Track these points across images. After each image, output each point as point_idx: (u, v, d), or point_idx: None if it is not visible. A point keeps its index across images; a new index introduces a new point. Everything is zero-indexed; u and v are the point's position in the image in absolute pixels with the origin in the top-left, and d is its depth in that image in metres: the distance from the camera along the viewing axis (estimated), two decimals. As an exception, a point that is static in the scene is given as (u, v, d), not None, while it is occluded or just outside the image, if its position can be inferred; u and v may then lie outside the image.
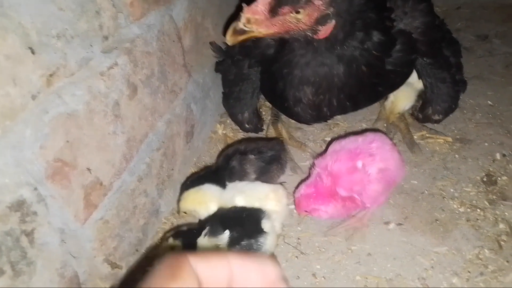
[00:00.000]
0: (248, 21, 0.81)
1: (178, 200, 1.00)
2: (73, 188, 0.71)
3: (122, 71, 0.84)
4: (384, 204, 0.96)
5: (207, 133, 1.30)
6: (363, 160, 0.90)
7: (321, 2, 0.81)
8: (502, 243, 0.86)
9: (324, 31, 0.86)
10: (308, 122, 1.12)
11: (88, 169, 0.74)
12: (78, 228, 0.74)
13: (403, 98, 1.17)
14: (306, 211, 0.93)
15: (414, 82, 1.17)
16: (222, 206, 0.95)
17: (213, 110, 1.34)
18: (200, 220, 0.94)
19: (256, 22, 0.81)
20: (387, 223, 0.93)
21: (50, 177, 0.67)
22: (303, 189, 0.92)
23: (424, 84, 1.14)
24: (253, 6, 0.80)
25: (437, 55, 1.11)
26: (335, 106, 1.00)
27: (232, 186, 0.99)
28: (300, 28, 0.84)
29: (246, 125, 1.24)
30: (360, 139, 0.95)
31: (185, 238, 0.87)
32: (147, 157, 0.94)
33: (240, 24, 0.81)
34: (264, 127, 1.30)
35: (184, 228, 0.94)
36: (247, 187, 0.97)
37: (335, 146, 0.97)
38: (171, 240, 0.86)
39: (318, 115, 1.03)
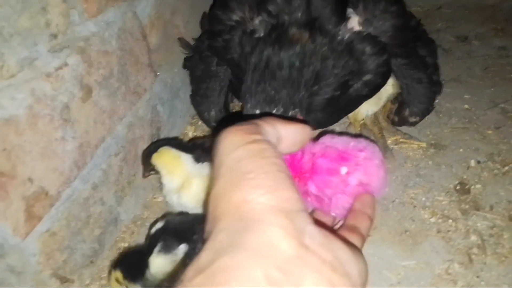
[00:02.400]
0: None
1: (150, 152, 0.93)
2: (11, 200, 0.66)
3: (74, 72, 0.79)
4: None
5: (176, 136, 1.25)
6: (348, 166, 0.85)
7: None
8: (472, 256, 0.82)
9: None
10: None
11: (30, 179, 0.69)
12: (19, 243, 0.68)
13: (364, 104, 1.13)
14: None
15: (382, 89, 1.12)
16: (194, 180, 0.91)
17: (183, 111, 1.29)
18: (148, 237, 0.89)
19: None
20: (354, 234, 0.89)
21: (-16, 189, 0.62)
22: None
23: (400, 86, 1.10)
24: None
25: (411, 55, 1.07)
26: (322, 123, 0.99)
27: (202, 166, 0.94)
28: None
29: (213, 124, 1.19)
30: (352, 143, 0.88)
31: (127, 267, 0.80)
32: (104, 163, 0.89)
33: None
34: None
35: (127, 253, 0.88)
36: None
37: (326, 139, 0.90)
38: (113, 273, 0.79)
39: None
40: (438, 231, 0.88)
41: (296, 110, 0.84)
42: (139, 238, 0.95)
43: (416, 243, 0.86)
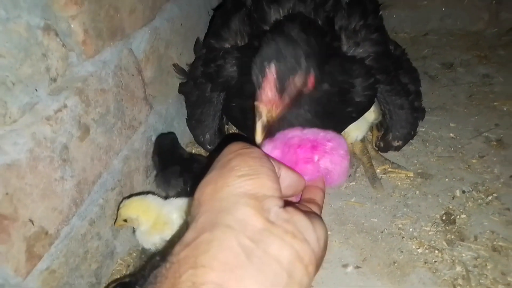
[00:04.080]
0: (269, 111, 0.82)
1: (118, 209, 0.97)
2: (13, 242, 0.68)
3: (72, 113, 0.81)
4: (343, 244, 0.95)
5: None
6: (317, 154, 0.87)
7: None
8: (457, 287, 0.85)
9: (311, 83, 0.87)
10: None
11: (31, 221, 0.71)
12: (20, 282, 0.70)
13: (354, 128, 1.17)
14: None
15: (366, 114, 1.17)
16: (161, 219, 0.95)
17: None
18: (133, 273, 0.91)
19: (274, 107, 0.82)
20: (345, 265, 0.92)
21: (-13, 232, 0.64)
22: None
23: (384, 112, 1.15)
24: (264, 96, 0.81)
25: (394, 83, 1.12)
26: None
27: (169, 202, 0.99)
28: (303, 91, 0.86)
29: (208, 146, 1.23)
30: (321, 134, 0.91)
31: None
32: (101, 198, 0.91)
33: (265, 119, 0.82)
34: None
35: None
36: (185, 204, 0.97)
37: (296, 132, 0.92)
38: None
39: None
40: (425, 262, 0.91)
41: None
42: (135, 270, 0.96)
43: (404, 274, 0.89)
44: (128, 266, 0.98)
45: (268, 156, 0.52)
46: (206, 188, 0.46)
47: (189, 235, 0.43)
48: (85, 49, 0.86)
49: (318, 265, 0.45)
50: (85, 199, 0.86)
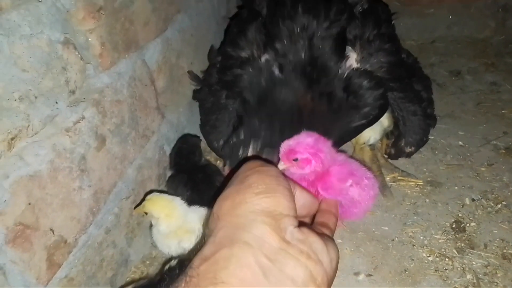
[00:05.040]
0: None
1: (142, 200, 0.99)
2: (35, 250, 0.70)
3: (90, 124, 0.84)
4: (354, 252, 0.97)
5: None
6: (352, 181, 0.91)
7: None
8: (468, 295, 0.86)
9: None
10: None
11: (51, 230, 0.73)
12: (40, 290, 0.72)
13: (368, 129, 1.18)
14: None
15: (382, 118, 1.18)
16: (183, 227, 0.96)
17: (188, 149, 1.34)
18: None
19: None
20: (357, 273, 0.93)
21: (11, 242, 0.66)
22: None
23: (397, 118, 1.16)
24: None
25: (407, 90, 1.14)
26: None
27: (194, 210, 1.00)
28: None
29: (221, 152, 1.25)
30: (362, 169, 0.96)
31: None
32: (116, 207, 0.93)
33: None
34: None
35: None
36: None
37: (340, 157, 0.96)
38: None
39: None
40: (436, 270, 0.92)
41: None
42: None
43: (415, 282, 0.90)
44: (142, 273, 1.00)
45: (284, 175, 0.53)
46: (225, 203, 0.48)
47: (208, 249, 0.44)
48: (101, 61, 0.88)
49: (330, 285, 0.48)
50: (101, 208, 0.88)
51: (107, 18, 0.88)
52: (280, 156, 0.92)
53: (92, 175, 0.84)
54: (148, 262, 1.03)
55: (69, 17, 0.79)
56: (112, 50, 0.91)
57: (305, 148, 0.89)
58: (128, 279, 0.98)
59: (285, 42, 1.06)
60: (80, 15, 0.81)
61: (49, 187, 0.73)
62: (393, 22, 1.22)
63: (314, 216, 0.64)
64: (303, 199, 0.56)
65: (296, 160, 0.90)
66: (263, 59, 1.10)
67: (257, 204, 0.46)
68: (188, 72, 1.31)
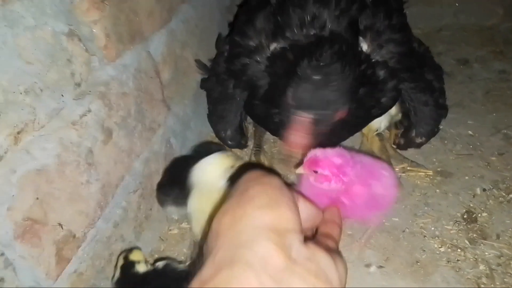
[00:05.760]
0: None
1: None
2: (43, 245, 0.69)
3: (96, 117, 0.82)
4: (366, 245, 0.96)
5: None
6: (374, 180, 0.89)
7: None
8: (482, 286, 0.85)
9: (343, 115, 0.91)
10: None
11: (60, 224, 0.72)
12: (51, 285, 0.71)
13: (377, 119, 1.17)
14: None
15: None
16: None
17: (194, 141, 1.32)
18: None
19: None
20: (368, 265, 0.92)
21: (20, 237, 0.65)
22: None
23: (408, 108, 1.15)
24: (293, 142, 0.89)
25: (418, 80, 1.12)
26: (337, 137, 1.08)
27: None
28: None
29: (229, 142, 1.24)
30: (376, 163, 0.95)
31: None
32: (123, 201, 0.92)
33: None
34: (249, 143, 1.31)
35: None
36: None
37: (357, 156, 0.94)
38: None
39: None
40: (448, 261, 0.91)
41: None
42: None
43: (428, 274, 0.89)
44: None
45: (287, 185, 0.49)
46: (224, 218, 0.44)
47: (206, 272, 0.40)
48: (106, 53, 0.87)
49: None
50: (109, 202, 0.87)
51: (111, 9, 0.86)
52: (304, 161, 0.91)
53: (99, 168, 0.83)
54: (156, 255, 1.02)
55: (73, 8, 0.78)
56: (117, 41, 0.90)
57: (328, 166, 0.87)
58: (137, 273, 0.97)
59: (295, 31, 1.04)
60: (84, 6, 0.79)
61: (56, 182, 0.72)
62: (404, 10, 1.19)
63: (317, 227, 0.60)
64: (307, 211, 0.52)
65: (316, 172, 0.88)
66: (272, 47, 1.08)
67: (260, 218, 0.42)
68: (196, 60, 1.29)
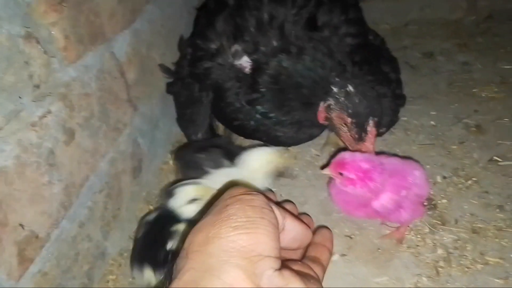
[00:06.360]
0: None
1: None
2: (4, 246, 0.70)
3: (57, 118, 0.83)
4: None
5: (158, 165, 1.29)
6: (406, 188, 0.91)
7: None
8: (439, 269, 0.88)
9: None
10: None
11: (21, 225, 0.73)
12: (13, 285, 0.72)
13: None
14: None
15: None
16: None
17: (163, 141, 1.34)
18: None
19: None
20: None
21: (-22, 239, 0.66)
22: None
23: None
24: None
25: (376, 73, 1.15)
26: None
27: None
28: None
29: None
30: (405, 164, 0.97)
31: None
32: (89, 200, 0.93)
33: None
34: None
35: None
36: None
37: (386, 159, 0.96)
38: None
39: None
40: (408, 247, 0.94)
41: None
42: (127, 270, 0.98)
43: (388, 260, 0.92)
44: (120, 265, 1.00)
45: (273, 204, 0.46)
46: (196, 237, 0.41)
47: None
48: (66, 55, 0.87)
49: None
50: (74, 202, 0.88)
51: (70, 11, 0.87)
52: (331, 163, 0.94)
53: (62, 169, 0.84)
54: (126, 254, 1.03)
55: (30, 11, 0.78)
56: (77, 43, 0.90)
57: (355, 169, 0.88)
58: (106, 271, 0.98)
59: (254, 33, 1.07)
60: (41, 9, 0.80)
61: (16, 183, 0.72)
62: (359, 4, 1.23)
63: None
64: (294, 231, 0.49)
65: (341, 174, 0.90)
66: (233, 49, 1.10)
67: (233, 241, 0.39)
68: (159, 65, 1.30)
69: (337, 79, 0.99)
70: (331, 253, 0.56)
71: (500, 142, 1.20)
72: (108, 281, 0.97)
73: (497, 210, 1.00)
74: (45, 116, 0.80)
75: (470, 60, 1.64)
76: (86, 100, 0.93)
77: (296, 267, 0.46)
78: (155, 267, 0.87)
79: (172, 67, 1.34)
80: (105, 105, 1.00)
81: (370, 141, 0.96)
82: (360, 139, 0.97)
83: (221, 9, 1.12)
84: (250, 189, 0.46)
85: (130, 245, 1.05)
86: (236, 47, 1.10)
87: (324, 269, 0.53)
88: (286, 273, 0.40)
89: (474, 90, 1.46)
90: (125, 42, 1.12)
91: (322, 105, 1.01)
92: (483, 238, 0.93)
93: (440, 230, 0.97)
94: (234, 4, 1.11)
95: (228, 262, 0.38)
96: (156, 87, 1.30)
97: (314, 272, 0.49)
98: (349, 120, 0.96)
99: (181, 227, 0.89)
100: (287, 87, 1.03)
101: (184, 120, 1.26)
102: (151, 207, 1.15)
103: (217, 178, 0.94)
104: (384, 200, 0.88)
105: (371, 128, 0.96)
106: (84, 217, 0.91)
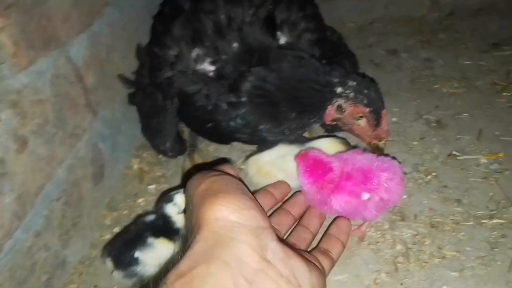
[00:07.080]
0: None
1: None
2: (-50, 260, 0.68)
3: (7, 126, 0.81)
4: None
5: (121, 170, 1.27)
6: (369, 191, 0.89)
7: None
8: (398, 265, 0.89)
9: None
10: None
11: (-32, 237, 0.71)
12: (-38, 300, 0.70)
13: None
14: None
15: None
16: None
17: (126, 145, 1.32)
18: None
19: None
20: (292, 254, 0.95)
21: None
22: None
23: None
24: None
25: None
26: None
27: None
28: None
29: (170, 153, 1.24)
30: (376, 163, 0.94)
31: None
32: (46, 209, 0.91)
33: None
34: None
35: None
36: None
37: (352, 157, 0.95)
38: None
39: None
40: (369, 244, 0.95)
41: None
42: (88, 278, 0.97)
43: (349, 257, 0.92)
44: (81, 274, 0.99)
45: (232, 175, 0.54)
46: (199, 211, 0.47)
47: (184, 264, 0.42)
48: (16, 61, 0.85)
49: None
50: (28, 212, 0.86)
51: (18, 16, 0.85)
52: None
53: (14, 178, 0.82)
54: (87, 262, 1.02)
55: (-26, 17, 0.76)
56: (28, 49, 0.88)
57: (310, 164, 0.91)
58: (66, 280, 0.97)
59: (213, 37, 1.05)
60: (-14, 14, 0.78)
61: (-38, 195, 0.70)
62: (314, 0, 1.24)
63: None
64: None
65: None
66: (193, 54, 1.09)
67: (231, 220, 0.44)
68: (118, 76, 1.26)
69: (334, 79, 1.02)
70: (344, 246, 0.63)
71: (459, 136, 1.22)
72: (69, 291, 0.95)
73: (455, 204, 1.01)
74: (-6, 125, 0.78)
75: (432, 57, 1.67)
76: (39, 107, 0.91)
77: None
78: (117, 265, 0.90)
79: (133, 75, 1.31)
80: (61, 110, 0.98)
81: (386, 123, 1.05)
82: (378, 124, 1.04)
83: (177, 14, 1.11)
84: (206, 171, 0.53)
85: (92, 252, 1.04)
86: (197, 51, 1.08)
87: (333, 262, 0.60)
88: (288, 250, 0.45)
89: (435, 86, 1.48)
90: (82, 45, 1.10)
91: (330, 108, 1.04)
92: (441, 232, 0.95)
93: (400, 225, 0.98)
94: (189, 8, 1.09)
95: (234, 239, 0.43)
96: (118, 90, 1.28)
97: (319, 263, 0.54)
98: (367, 110, 1.02)
99: (158, 242, 0.91)
100: (280, 101, 1.01)
101: (150, 130, 1.24)
102: (115, 214, 1.13)
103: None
104: (341, 201, 0.88)
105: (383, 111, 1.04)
106: (41, 226, 0.89)
